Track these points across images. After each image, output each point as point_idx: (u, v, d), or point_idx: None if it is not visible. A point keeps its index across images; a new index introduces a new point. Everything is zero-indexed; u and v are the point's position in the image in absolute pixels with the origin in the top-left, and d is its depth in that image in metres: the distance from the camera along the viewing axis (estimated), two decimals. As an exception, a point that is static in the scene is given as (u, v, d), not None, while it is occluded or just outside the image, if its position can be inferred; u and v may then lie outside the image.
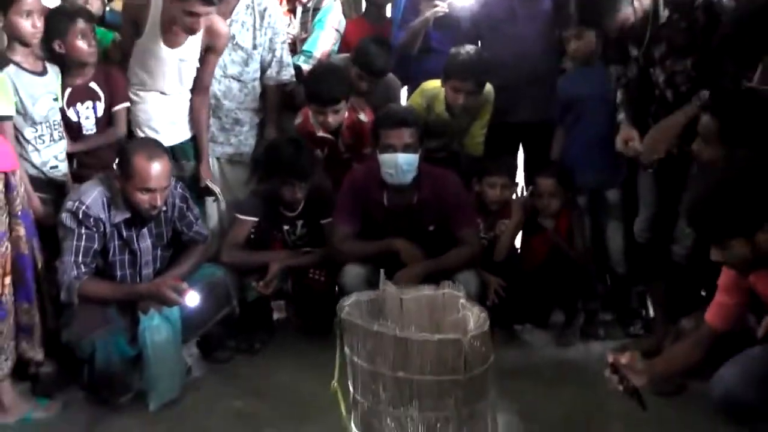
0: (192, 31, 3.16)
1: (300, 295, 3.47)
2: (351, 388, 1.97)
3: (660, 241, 3.15)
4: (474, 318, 1.90)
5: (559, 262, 3.44)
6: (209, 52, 3.33)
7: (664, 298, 3.24)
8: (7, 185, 2.66)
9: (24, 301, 2.74)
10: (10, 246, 2.67)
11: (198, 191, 3.45)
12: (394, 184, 3.19)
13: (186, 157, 3.48)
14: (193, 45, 3.26)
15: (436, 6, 3.64)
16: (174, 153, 3.35)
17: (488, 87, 3.60)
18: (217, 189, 3.53)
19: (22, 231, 2.71)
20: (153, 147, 2.90)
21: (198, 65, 3.34)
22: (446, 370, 1.79)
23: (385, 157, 3.15)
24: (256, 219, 3.37)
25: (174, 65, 3.28)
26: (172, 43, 3.24)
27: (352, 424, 2.00)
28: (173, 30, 3.20)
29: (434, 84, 3.62)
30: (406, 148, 3.13)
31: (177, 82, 3.35)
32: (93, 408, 2.87)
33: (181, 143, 3.44)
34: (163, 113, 3.35)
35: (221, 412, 2.84)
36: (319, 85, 3.42)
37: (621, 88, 3.12)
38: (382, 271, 2.14)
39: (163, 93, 3.33)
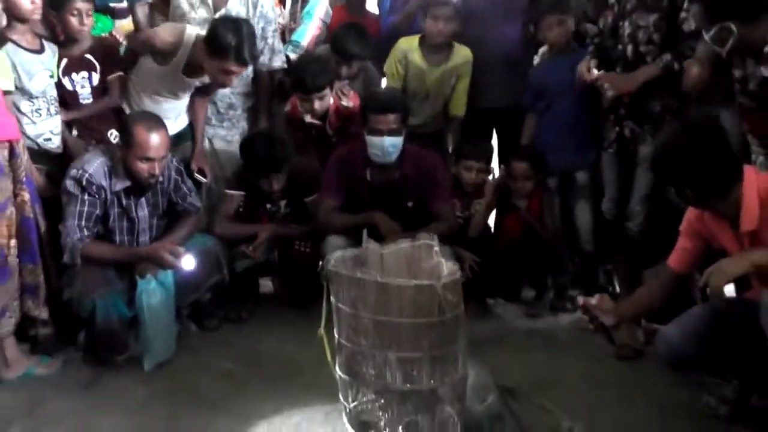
0: (224, 86, 3.45)
1: (286, 267, 3.67)
2: (336, 335, 2.17)
3: (620, 219, 3.40)
4: (447, 267, 2.11)
5: (531, 240, 3.66)
6: None
7: (626, 273, 3.47)
8: (12, 153, 2.85)
9: (29, 263, 2.92)
10: (15, 210, 2.86)
11: (190, 175, 3.64)
12: (379, 163, 3.40)
13: (186, 139, 3.71)
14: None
15: None
16: (176, 136, 3.56)
17: (467, 51, 3.87)
18: (205, 179, 3.70)
19: (27, 196, 2.89)
20: (153, 119, 3.10)
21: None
22: (421, 313, 2.00)
23: (372, 140, 3.36)
24: (243, 193, 3.57)
25: (189, 86, 3.51)
26: (192, 76, 3.44)
27: (337, 368, 2.19)
28: (199, 70, 3.39)
29: (407, 39, 3.91)
30: (392, 132, 3.34)
31: (186, 95, 3.58)
32: (91, 367, 3.06)
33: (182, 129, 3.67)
34: (168, 112, 3.53)
35: (211, 372, 3.03)
36: (304, 74, 3.63)
37: (593, 45, 3.41)
38: (365, 230, 2.35)
39: (170, 101, 3.54)
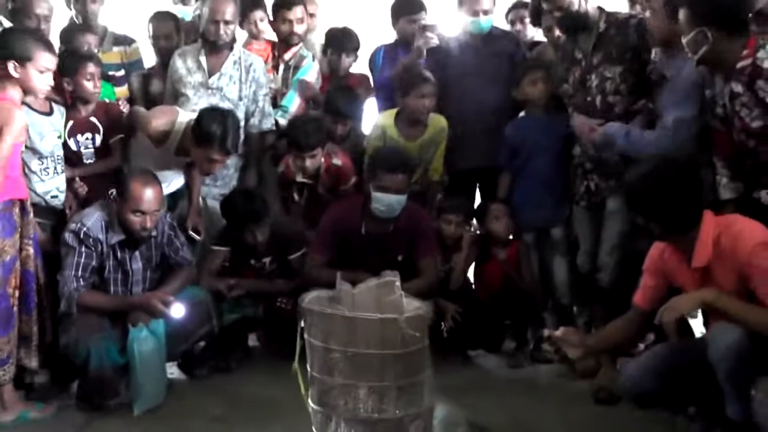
0: (208, 174, 3.70)
1: (269, 321, 3.83)
2: (309, 368, 2.32)
3: (594, 271, 3.56)
4: (411, 304, 2.27)
5: (510, 292, 3.81)
6: None
7: (603, 323, 3.60)
8: (23, 211, 3.06)
9: (24, 313, 3.10)
10: (20, 264, 3.05)
11: (185, 232, 3.82)
12: (380, 217, 3.59)
13: (182, 197, 3.93)
14: None
15: (428, 38, 4.09)
16: (172, 195, 3.81)
17: (441, 120, 4.05)
18: (199, 237, 3.88)
19: (31, 251, 3.10)
20: (148, 175, 3.31)
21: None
22: (387, 345, 2.16)
23: (378, 196, 3.55)
24: (228, 249, 3.76)
25: (181, 163, 3.75)
26: (184, 155, 3.67)
27: (310, 401, 2.33)
28: (187, 153, 3.64)
29: (383, 116, 4.10)
30: (399, 191, 3.55)
31: (179, 168, 3.81)
32: (83, 413, 3.19)
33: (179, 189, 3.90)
34: (163, 177, 3.66)
35: (199, 416, 3.16)
36: (299, 133, 3.85)
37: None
38: (339, 273, 2.51)
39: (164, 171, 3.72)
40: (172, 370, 3.62)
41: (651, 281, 2.70)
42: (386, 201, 3.54)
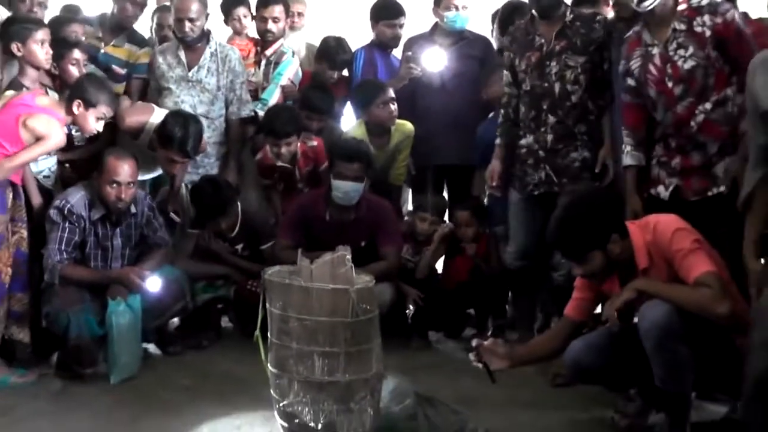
0: (168, 173, 3.93)
1: (239, 304, 4.05)
2: (269, 335, 2.53)
3: (536, 267, 3.76)
4: (361, 279, 2.49)
5: (476, 282, 4.03)
6: None
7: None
8: (15, 193, 3.29)
9: (18, 291, 3.33)
10: (14, 245, 3.28)
11: (166, 215, 4.04)
12: (340, 204, 3.82)
13: (164, 183, 4.14)
14: None
15: (411, 69, 4.34)
16: (154, 180, 4.05)
17: (409, 125, 4.28)
18: (178, 219, 4.09)
19: (24, 233, 3.34)
20: (123, 152, 3.57)
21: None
22: (338, 314, 2.38)
23: (337, 183, 3.78)
24: (200, 231, 4.00)
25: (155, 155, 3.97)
26: (154, 149, 3.91)
27: (269, 365, 2.55)
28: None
29: (353, 128, 4.33)
30: (356, 179, 3.78)
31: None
32: (62, 380, 3.39)
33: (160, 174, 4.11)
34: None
35: (171, 386, 3.37)
36: (275, 121, 4.09)
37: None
38: (300, 250, 2.73)
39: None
40: (148, 346, 3.83)
41: (581, 294, 2.86)
42: (343, 188, 3.77)
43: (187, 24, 4.13)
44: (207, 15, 4.26)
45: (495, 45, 4.51)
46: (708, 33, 3.00)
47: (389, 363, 2.67)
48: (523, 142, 3.69)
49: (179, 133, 3.70)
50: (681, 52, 3.05)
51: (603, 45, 3.55)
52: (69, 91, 3.46)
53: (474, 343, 2.93)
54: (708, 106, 3.04)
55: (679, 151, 3.12)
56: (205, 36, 4.23)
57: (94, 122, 3.41)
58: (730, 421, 2.84)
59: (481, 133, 4.24)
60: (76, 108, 3.35)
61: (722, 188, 3.03)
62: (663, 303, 2.53)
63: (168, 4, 4.61)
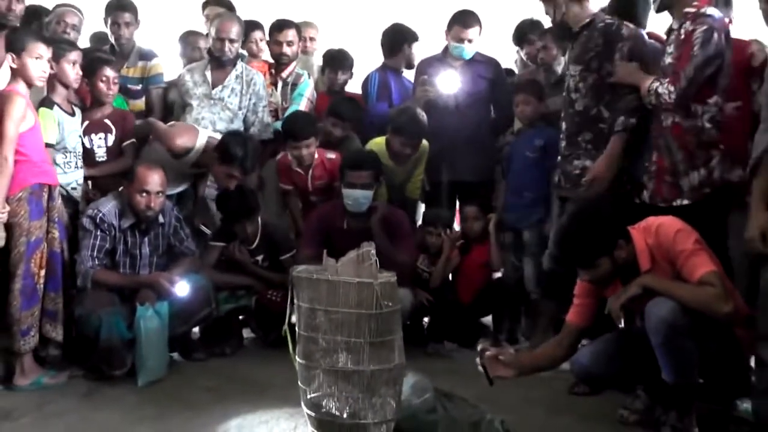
0: (224, 186, 4.15)
1: (260, 313, 4.19)
2: (297, 328, 2.67)
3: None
4: (384, 275, 2.63)
5: (492, 294, 4.21)
6: None
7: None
8: (50, 196, 3.45)
9: (52, 291, 3.47)
10: (47, 245, 3.43)
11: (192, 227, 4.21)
12: (352, 211, 4.00)
13: (188, 198, 4.35)
14: None
15: (426, 91, 4.53)
16: (179, 194, 4.24)
17: (424, 142, 4.43)
18: (208, 231, 4.30)
19: (57, 233, 3.48)
20: (153, 163, 3.76)
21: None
22: (363, 306, 2.52)
23: (347, 192, 3.99)
24: (224, 244, 4.15)
25: (191, 172, 4.23)
26: (196, 167, 4.23)
27: (296, 356, 2.68)
28: (204, 165, 4.19)
29: (377, 141, 4.46)
30: (364, 186, 3.96)
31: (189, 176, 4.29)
32: (92, 381, 3.54)
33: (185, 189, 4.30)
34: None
35: (196, 387, 3.50)
36: (294, 125, 4.31)
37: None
38: (324, 251, 2.88)
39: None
40: (173, 355, 3.96)
41: (583, 300, 2.97)
42: (353, 196, 3.97)
43: (227, 44, 4.36)
44: (243, 39, 4.53)
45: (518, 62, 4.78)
46: (682, 37, 3.18)
47: (408, 366, 2.78)
48: None
49: (240, 152, 3.97)
50: (670, 48, 3.25)
51: (600, 53, 3.55)
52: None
53: (480, 346, 3.04)
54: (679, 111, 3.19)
55: (657, 149, 3.28)
56: (236, 58, 4.46)
57: (35, 65, 3.38)
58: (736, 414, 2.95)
59: (506, 151, 4.43)
60: (11, 61, 3.37)
61: (686, 201, 3.18)
62: (668, 300, 2.64)
63: (194, 29, 4.89)
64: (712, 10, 3.18)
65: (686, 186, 3.18)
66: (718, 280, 2.64)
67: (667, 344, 2.65)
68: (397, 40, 4.85)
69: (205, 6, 5.12)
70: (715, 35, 3.10)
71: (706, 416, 2.85)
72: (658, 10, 3.34)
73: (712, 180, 3.16)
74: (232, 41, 4.38)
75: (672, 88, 3.15)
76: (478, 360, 2.96)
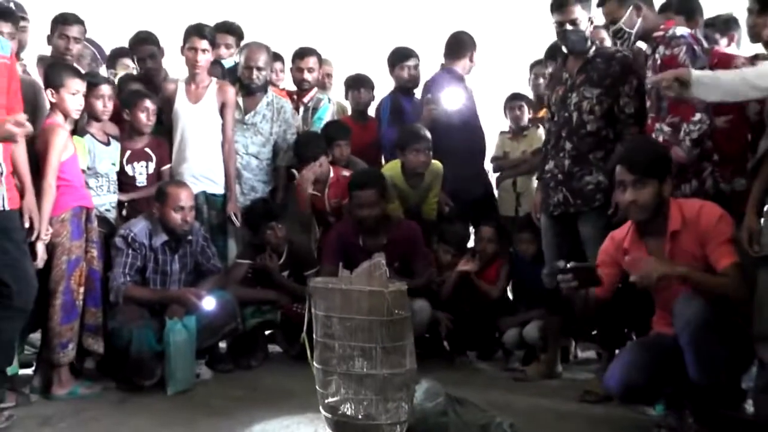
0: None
1: (285, 324, 4.38)
2: (314, 335, 2.85)
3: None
4: (395, 284, 2.81)
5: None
6: (224, 107, 4.42)
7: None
8: (87, 218, 3.69)
9: (92, 306, 3.71)
10: (85, 264, 3.66)
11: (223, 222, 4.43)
12: (370, 230, 4.19)
13: (215, 207, 4.44)
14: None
15: (432, 110, 4.72)
16: (207, 201, 4.38)
17: (438, 164, 4.60)
18: (238, 222, 4.45)
19: (95, 252, 3.72)
20: (179, 180, 4.05)
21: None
22: (375, 313, 2.69)
23: (354, 212, 4.20)
24: (250, 261, 4.37)
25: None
26: None
27: (314, 362, 2.86)
28: None
29: (391, 166, 4.65)
30: (371, 205, 4.14)
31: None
32: (123, 391, 3.75)
33: (214, 195, 4.43)
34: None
35: (223, 396, 3.69)
36: (301, 146, 4.56)
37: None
38: (341, 263, 3.06)
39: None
40: (200, 368, 4.15)
41: (605, 270, 2.99)
42: (360, 215, 4.16)
43: (255, 72, 4.57)
44: (271, 67, 4.78)
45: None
46: (659, 62, 3.37)
47: (424, 375, 3.00)
48: (546, 167, 3.92)
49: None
50: (649, 73, 3.46)
51: (618, 80, 3.72)
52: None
53: (560, 264, 2.95)
54: (665, 127, 3.36)
55: None
56: (265, 86, 4.67)
57: (72, 100, 3.63)
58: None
59: None
60: (51, 96, 3.62)
61: None
62: (696, 298, 2.69)
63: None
64: (680, 30, 3.39)
65: (679, 197, 3.26)
66: (742, 272, 2.75)
67: (697, 343, 2.68)
68: (388, 62, 5.02)
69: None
70: (696, 48, 3.35)
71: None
72: (634, 42, 3.57)
73: (704, 190, 3.30)
74: (260, 69, 4.59)
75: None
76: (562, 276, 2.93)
